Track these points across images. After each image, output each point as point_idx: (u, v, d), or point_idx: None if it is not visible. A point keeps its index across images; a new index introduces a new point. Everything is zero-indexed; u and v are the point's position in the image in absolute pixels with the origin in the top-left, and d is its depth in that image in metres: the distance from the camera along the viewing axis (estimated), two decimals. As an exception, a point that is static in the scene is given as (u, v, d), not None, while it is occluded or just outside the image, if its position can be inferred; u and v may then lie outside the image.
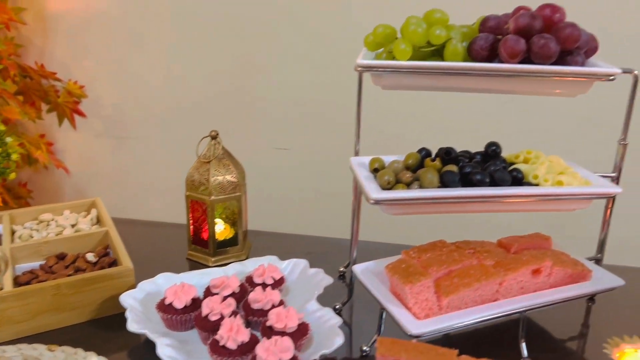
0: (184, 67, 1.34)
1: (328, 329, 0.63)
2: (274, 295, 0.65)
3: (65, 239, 0.79)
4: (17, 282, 0.71)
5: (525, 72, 0.59)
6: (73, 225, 0.85)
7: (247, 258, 0.85)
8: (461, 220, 1.12)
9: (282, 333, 0.59)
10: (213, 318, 0.62)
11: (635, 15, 1.06)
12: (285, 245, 0.92)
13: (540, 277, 0.64)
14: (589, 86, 0.62)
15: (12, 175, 0.83)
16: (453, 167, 0.63)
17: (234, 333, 0.58)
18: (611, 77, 0.60)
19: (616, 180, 0.71)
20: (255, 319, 0.64)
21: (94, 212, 0.88)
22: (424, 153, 0.68)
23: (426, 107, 1.21)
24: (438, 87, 0.65)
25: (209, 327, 0.62)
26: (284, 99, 1.30)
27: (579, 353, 0.67)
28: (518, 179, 0.63)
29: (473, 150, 0.70)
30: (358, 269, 0.69)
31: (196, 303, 0.66)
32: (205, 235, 0.84)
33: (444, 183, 0.62)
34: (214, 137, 0.82)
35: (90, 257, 0.76)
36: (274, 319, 0.60)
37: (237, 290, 0.68)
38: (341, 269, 0.82)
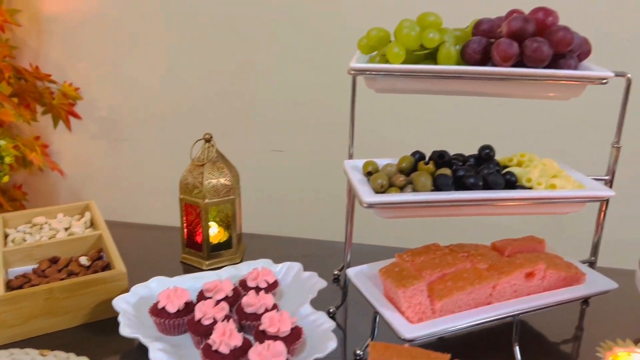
0: (179, 69, 1.34)
1: (321, 333, 0.62)
2: (267, 299, 0.65)
3: (58, 243, 0.78)
4: (10, 286, 0.71)
5: (517, 76, 0.59)
6: (66, 229, 0.84)
7: (241, 261, 0.85)
8: (457, 222, 1.12)
9: (275, 337, 0.59)
10: (206, 322, 0.62)
11: (629, 17, 1.06)
12: (280, 248, 0.92)
13: (533, 281, 0.64)
14: (581, 89, 0.62)
15: (6, 179, 0.83)
16: (446, 171, 0.63)
17: (226, 337, 0.57)
18: (604, 81, 0.60)
19: (609, 183, 0.71)
20: (249, 323, 0.64)
21: (87, 215, 0.88)
22: (418, 156, 0.68)
23: (422, 109, 1.21)
24: (431, 91, 0.65)
25: (202, 332, 0.61)
26: (280, 101, 1.30)
27: (573, 356, 0.67)
28: (511, 182, 0.63)
29: (468, 153, 0.70)
30: (352, 272, 0.68)
31: (189, 307, 0.66)
32: (199, 239, 0.84)
33: (437, 186, 0.61)
34: (207, 140, 0.81)
35: (84, 260, 0.76)
36: (267, 323, 0.60)
37: (230, 294, 0.68)
38: (335, 272, 0.82)
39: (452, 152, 0.70)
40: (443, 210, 0.61)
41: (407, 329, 0.58)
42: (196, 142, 0.82)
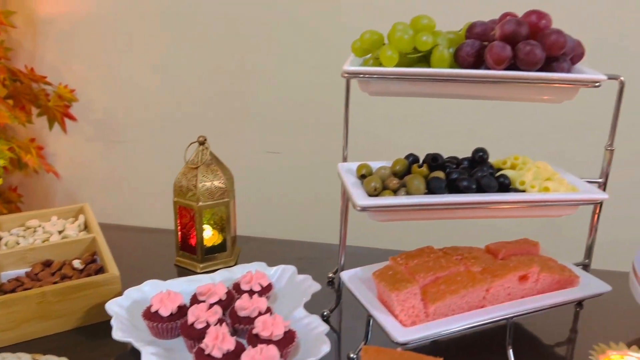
0: (174, 71, 1.33)
1: (315, 336, 0.62)
2: (261, 303, 0.65)
3: (51, 246, 0.78)
4: (2, 289, 0.70)
5: (510, 79, 0.59)
6: (60, 232, 0.84)
7: (235, 264, 0.85)
8: (452, 223, 1.12)
9: (268, 341, 0.59)
10: (199, 326, 0.62)
11: (623, 20, 1.06)
12: (275, 250, 0.92)
13: (527, 284, 0.64)
14: (574, 92, 0.62)
15: (-1, 181, 0.82)
16: (440, 174, 0.63)
17: (219, 341, 0.57)
18: (596, 84, 0.60)
19: (603, 186, 0.71)
20: (242, 327, 0.64)
21: (81, 218, 0.87)
22: (412, 159, 0.68)
23: (419, 111, 1.21)
24: (425, 94, 0.64)
25: (195, 336, 0.61)
26: (275, 103, 1.29)
27: (567, 359, 0.67)
28: (505, 185, 0.63)
29: (464, 155, 0.70)
30: (345, 275, 0.68)
31: (182, 311, 0.65)
32: (193, 242, 0.83)
33: (430, 189, 0.61)
34: (201, 143, 0.81)
35: (77, 264, 0.76)
36: (260, 327, 0.60)
37: (223, 297, 0.68)
38: (330, 275, 0.82)
39: (447, 154, 0.70)
40: (436, 213, 0.61)
41: (401, 333, 0.58)
42: (190, 144, 0.82)
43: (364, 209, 0.60)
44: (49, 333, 0.68)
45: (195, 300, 0.68)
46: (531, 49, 0.59)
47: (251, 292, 0.69)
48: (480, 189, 0.62)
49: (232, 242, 0.86)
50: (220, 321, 0.63)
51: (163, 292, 0.67)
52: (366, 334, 0.65)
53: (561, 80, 0.60)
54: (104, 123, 1.43)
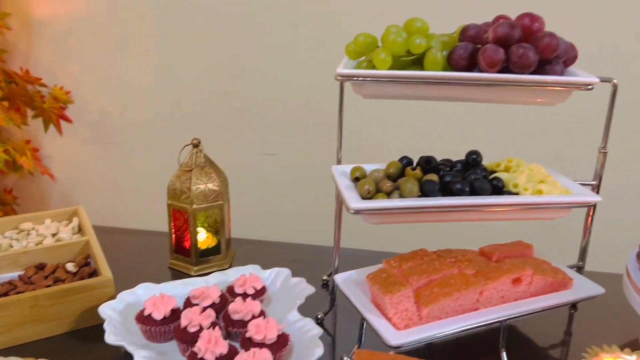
0: (170, 72, 1.33)
1: (308, 339, 0.62)
2: (254, 306, 0.65)
3: (44, 249, 0.78)
4: (-5, 293, 0.70)
5: (503, 82, 0.59)
6: (54, 235, 0.84)
7: (230, 267, 0.84)
8: (446, 225, 1.11)
9: (261, 345, 0.59)
10: (192, 329, 0.61)
11: (617, 23, 1.06)
12: (269, 253, 0.92)
13: (520, 286, 0.64)
14: (567, 95, 0.62)
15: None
16: (433, 176, 0.63)
17: (212, 345, 0.57)
18: (589, 87, 0.60)
19: (597, 188, 0.71)
20: (235, 330, 0.64)
21: (75, 220, 0.87)
22: (405, 162, 0.68)
23: (414, 113, 1.21)
24: (419, 96, 0.64)
25: (188, 339, 0.61)
26: (271, 104, 1.29)
27: (561, 361, 0.67)
28: (498, 188, 0.63)
29: (459, 157, 0.70)
30: (339, 278, 0.68)
31: (176, 314, 0.65)
32: (187, 244, 0.83)
33: (423, 192, 0.61)
34: (195, 145, 0.81)
35: (70, 267, 0.75)
36: (253, 330, 0.60)
37: (217, 300, 0.67)
38: (324, 278, 0.82)
39: (441, 157, 0.70)
40: (430, 216, 0.61)
41: (394, 336, 0.57)
42: (184, 147, 0.82)
43: (357, 211, 0.60)
44: (41, 337, 0.68)
45: (188, 303, 0.68)
46: (524, 52, 0.59)
47: (245, 295, 0.69)
48: (474, 192, 0.62)
49: (226, 244, 0.85)
50: (213, 324, 0.63)
51: (156, 295, 0.66)
52: (360, 337, 0.65)
53: (554, 83, 0.60)
54: (100, 125, 1.43)
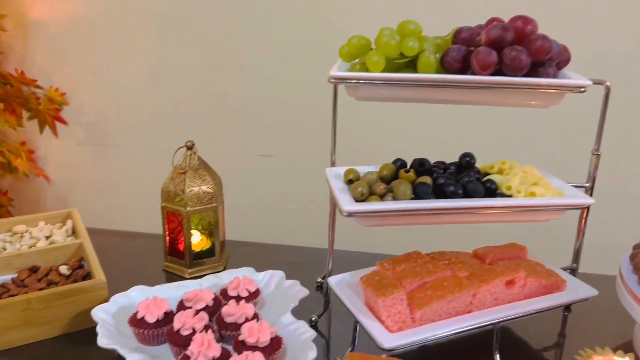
0: (165, 74, 1.33)
1: (302, 342, 0.62)
2: (248, 309, 0.65)
3: (38, 252, 0.77)
4: (-13, 296, 0.70)
5: (495, 84, 0.59)
6: (48, 237, 0.83)
7: (224, 269, 0.84)
8: (441, 227, 1.12)
9: (254, 348, 0.59)
10: (185, 333, 0.61)
11: (610, 25, 1.07)
12: (264, 255, 0.91)
13: (514, 288, 0.64)
14: (560, 98, 0.62)
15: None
16: (427, 179, 0.63)
17: (204, 349, 0.57)
18: (582, 89, 0.60)
19: (590, 190, 0.71)
20: (228, 333, 0.64)
21: (69, 223, 0.87)
22: (399, 164, 0.68)
23: (409, 116, 1.21)
24: (412, 99, 0.64)
25: (181, 342, 0.61)
26: (267, 106, 1.29)
27: (555, 363, 0.67)
28: (491, 191, 0.63)
29: (454, 159, 0.70)
30: (333, 281, 0.68)
31: (169, 317, 0.65)
32: (181, 247, 0.83)
33: (417, 195, 0.61)
34: (189, 148, 0.81)
35: (64, 269, 0.75)
36: (246, 333, 0.60)
37: (210, 303, 0.67)
38: (319, 280, 0.82)
39: (436, 159, 0.70)
40: (423, 218, 0.61)
41: (387, 339, 0.57)
42: (178, 149, 0.81)
43: (350, 214, 0.59)
44: (34, 340, 0.68)
45: (182, 306, 0.68)
46: (517, 55, 0.59)
47: (238, 298, 0.69)
48: (467, 194, 0.62)
49: (220, 247, 0.85)
50: (206, 327, 0.62)
51: (149, 298, 0.66)
52: (353, 340, 0.64)
53: (546, 85, 0.60)
54: (95, 126, 1.42)
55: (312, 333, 0.63)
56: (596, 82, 0.63)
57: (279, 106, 1.28)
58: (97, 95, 1.40)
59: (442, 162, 0.70)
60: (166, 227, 0.83)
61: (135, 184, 1.44)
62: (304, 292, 0.71)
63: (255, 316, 0.65)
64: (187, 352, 0.58)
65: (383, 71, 0.62)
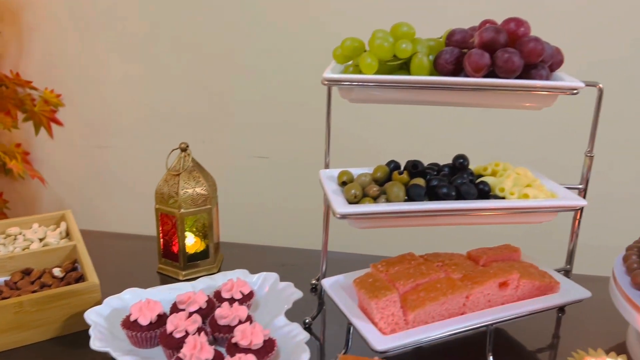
0: (161, 76, 1.33)
1: (295, 344, 0.62)
2: (241, 311, 0.65)
3: (31, 254, 0.77)
4: (-20, 299, 0.69)
5: (488, 86, 0.59)
6: (41, 239, 0.83)
7: (218, 271, 0.84)
8: (435, 228, 1.11)
9: (248, 350, 0.59)
10: (177, 335, 0.61)
11: (605, 27, 1.07)
12: (258, 257, 0.91)
13: (507, 290, 0.64)
14: (553, 99, 0.62)
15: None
16: (420, 181, 0.63)
17: (197, 351, 0.57)
18: (574, 91, 0.60)
19: (583, 192, 0.71)
20: (222, 336, 0.63)
21: (63, 225, 0.86)
22: (393, 166, 0.68)
23: (403, 118, 1.21)
24: (405, 101, 0.64)
25: (174, 345, 0.61)
26: (261, 107, 1.29)
27: (548, 365, 0.68)
28: (484, 192, 0.63)
29: (446, 161, 0.70)
30: (327, 283, 0.68)
31: (162, 319, 0.65)
32: (175, 249, 0.83)
33: (410, 197, 0.61)
34: (183, 149, 0.81)
35: (57, 272, 0.75)
36: (239, 335, 0.60)
37: (204, 305, 0.67)
38: (313, 282, 0.82)
39: (430, 161, 0.70)
40: (416, 220, 0.61)
41: (380, 341, 0.57)
42: (172, 151, 0.81)
43: (344, 216, 0.59)
44: (26, 343, 0.67)
45: (175, 308, 0.67)
46: (509, 57, 0.59)
47: (232, 300, 0.69)
48: (460, 196, 0.62)
49: (215, 249, 0.85)
50: (199, 330, 0.62)
51: (142, 300, 0.66)
52: (346, 342, 0.64)
53: (539, 87, 0.60)
54: (91, 128, 1.42)
55: (305, 335, 0.63)
56: (589, 84, 0.63)
57: (273, 108, 1.28)
58: (93, 97, 1.39)
59: (436, 164, 0.70)
60: (160, 229, 0.83)
61: (129, 185, 1.44)
62: (297, 294, 0.71)
63: (249, 318, 0.65)
64: (180, 355, 0.57)
65: (376, 73, 0.62)
